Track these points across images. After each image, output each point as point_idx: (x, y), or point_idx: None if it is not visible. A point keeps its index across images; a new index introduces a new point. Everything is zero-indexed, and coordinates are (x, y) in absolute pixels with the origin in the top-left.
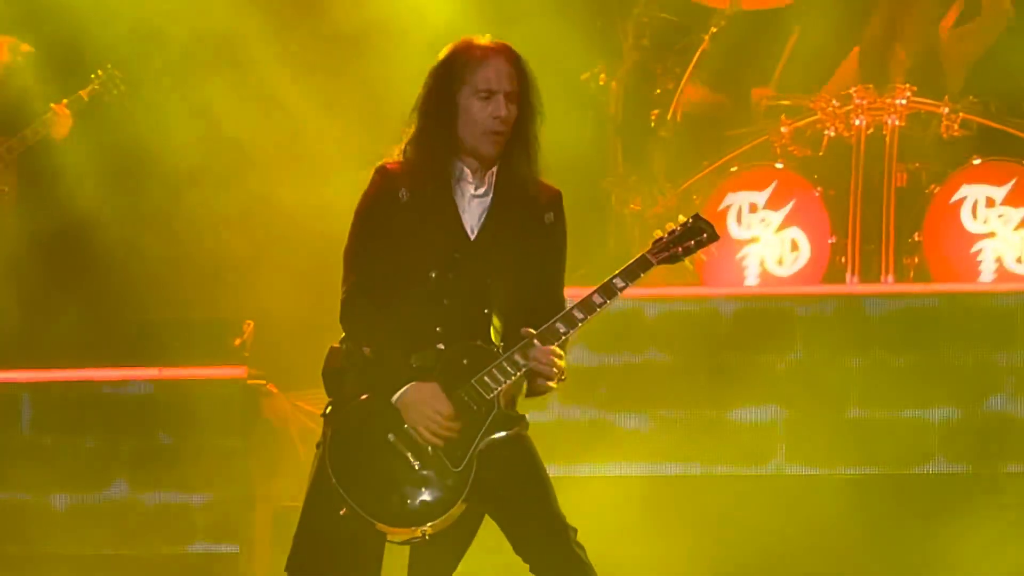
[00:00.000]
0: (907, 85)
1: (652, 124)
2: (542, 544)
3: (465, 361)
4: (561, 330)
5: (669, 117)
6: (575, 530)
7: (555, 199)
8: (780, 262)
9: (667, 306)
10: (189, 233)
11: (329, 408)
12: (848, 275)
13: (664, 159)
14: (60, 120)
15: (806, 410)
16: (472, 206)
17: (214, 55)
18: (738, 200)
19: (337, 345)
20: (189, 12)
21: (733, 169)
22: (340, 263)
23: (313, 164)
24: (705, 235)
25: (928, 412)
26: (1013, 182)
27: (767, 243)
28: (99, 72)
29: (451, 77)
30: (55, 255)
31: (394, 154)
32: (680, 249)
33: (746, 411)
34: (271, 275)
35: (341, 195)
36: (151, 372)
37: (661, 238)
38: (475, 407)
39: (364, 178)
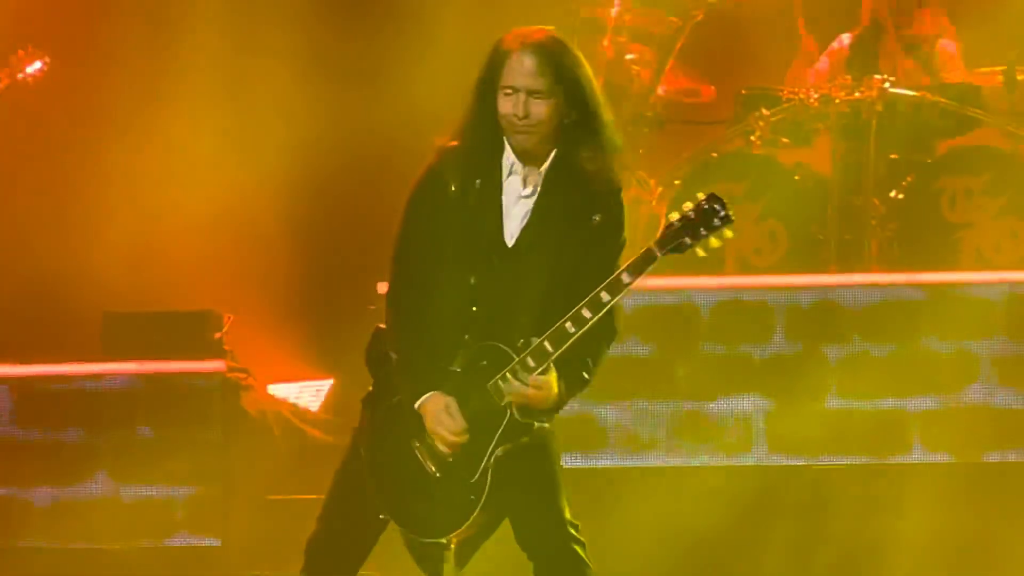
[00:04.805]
0: (884, 75)
1: (631, 115)
2: (539, 537)
3: (485, 363)
4: (571, 330)
5: (649, 107)
6: (576, 525)
7: (608, 196)
8: (759, 252)
9: (645, 298)
10: (168, 225)
11: (371, 391)
12: (827, 265)
13: (644, 150)
14: None
15: (786, 400)
16: (516, 209)
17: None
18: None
19: (383, 327)
20: None
21: (713, 155)
22: (320, 256)
23: (294, 156)
24: (717, 219)
25: (907, 402)
26: (991, 172)
27: (745, 232)
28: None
29: (488, 72)
30: (33, 244)
31: (448, 137)
32: (688, 238)
33: (726, 402)
34: (251, 268)
35: (325, 187)
36: (131, 366)
37: (671, 224)
38: (488, 415)
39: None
